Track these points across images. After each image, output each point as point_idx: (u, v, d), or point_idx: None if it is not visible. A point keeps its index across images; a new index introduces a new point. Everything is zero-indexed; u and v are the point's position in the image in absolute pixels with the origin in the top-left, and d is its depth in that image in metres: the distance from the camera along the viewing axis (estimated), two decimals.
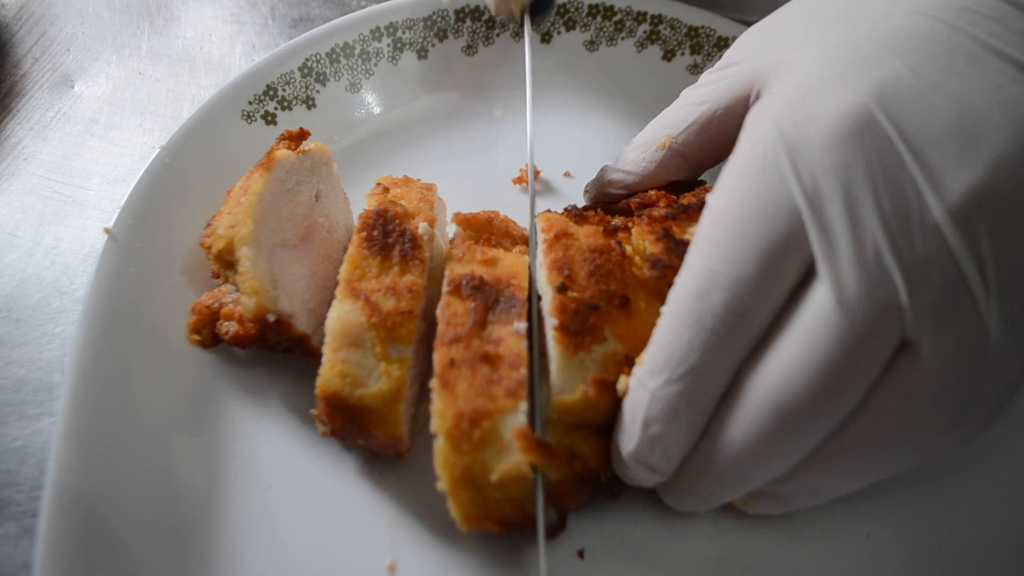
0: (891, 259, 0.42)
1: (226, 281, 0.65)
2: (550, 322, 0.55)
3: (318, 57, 0.82)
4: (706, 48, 0.86)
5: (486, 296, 0.58)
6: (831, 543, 0.60)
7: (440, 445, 0.52)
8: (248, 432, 0.64)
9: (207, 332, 0.66)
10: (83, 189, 0.85)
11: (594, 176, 0.73)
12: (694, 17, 0.87)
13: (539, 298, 0.60)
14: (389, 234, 0.60)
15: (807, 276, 0.45)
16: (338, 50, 0.83)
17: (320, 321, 0.63)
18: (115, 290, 0.64)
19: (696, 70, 0.86)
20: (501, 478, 0.51)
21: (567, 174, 0.82)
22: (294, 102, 0.81)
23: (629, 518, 0.61)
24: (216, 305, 0.65)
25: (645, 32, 0.87)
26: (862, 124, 0.44)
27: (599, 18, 0.88)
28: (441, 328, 0.56)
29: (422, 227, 0.62)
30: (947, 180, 0.42)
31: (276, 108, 0.79)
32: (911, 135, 0.43)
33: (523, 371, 0.53)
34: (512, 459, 0.51)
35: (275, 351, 0.64)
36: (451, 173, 0.78)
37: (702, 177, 0.69)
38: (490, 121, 0.86)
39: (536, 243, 0.63)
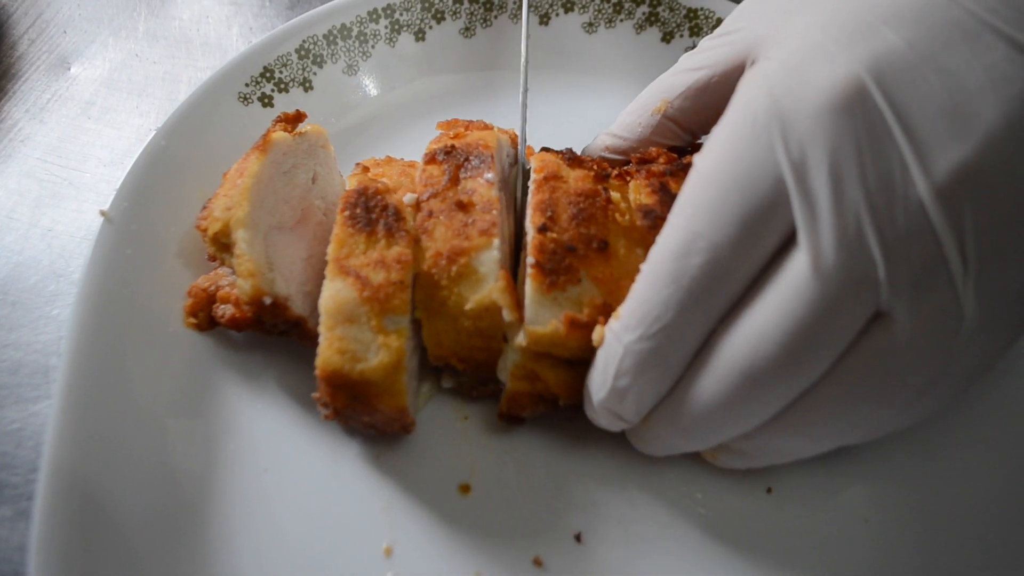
0: (872, 232, 0.43)
1: (222, 264, 0.65)
2: (528, 259, 0.57)
3: (315, 39, 0.82)
4: (705, 30, 0.85)
5: (457, 157, 0.63)
6: (830, 527, 0.61)
7: (420, 281, 0.57)
8: (244, 416, 0.64)
9: (203, 315, 0.66)
10: (79, 171, 0.85)
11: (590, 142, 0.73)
12: None
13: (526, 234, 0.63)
14: (372, 210, 0.60)
15: (787, 243, 0.46)
16: (335, 32, 0.83)
17: (316, 304, 0.63)
18: (111, 273, 0.65)
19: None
20: (475, 307, 0.56)
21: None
22: (291, 84, 0.80)
23: (626, 501, 0.61)
24: (212, 288, 0.65)
25: (644, 14, 0.87)
26: (854, 95, 0.44)
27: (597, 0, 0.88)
28: (419, 189, 0.61)
29: (407, 197, 0.62)
30: (934, 156, 0.42)
31: (273, 90, 0.79)
32: (902, 109, 0.43)
33: (495, 212, 0.59)
34: (486, 289, 0.56)
35: (271, 334, 0.64)
36: None
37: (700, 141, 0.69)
38: (488, 103, 0.86)
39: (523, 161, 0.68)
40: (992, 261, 0.43)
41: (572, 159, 0.64)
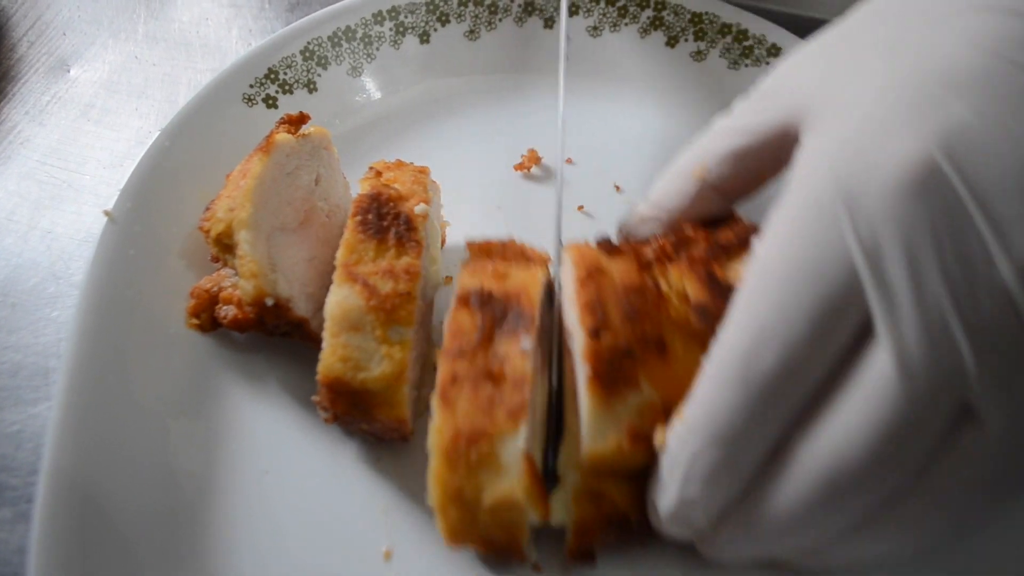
0: (956, 322, 0.40)
1: (225, 265, 0.66)
2: (582, 369, 0.52)
3: (320, 40, 0.82)
4: (710, 35, 0.86)
5: (494, 310, 0.56)
6: None
7: (435, 461, 0.51)
8: (246, 417, 0.65)
9: (206, 316, 0.66)
10: (79, 174, 0.85)
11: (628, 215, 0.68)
12: (698, 3, 0.87)
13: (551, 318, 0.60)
14: (384, 217, 0.60)
15: (862, 336, 0.43)
16: (340, 34, 0.83)
17: (319, 305, 0.63)
18: (114, 273, 0.65)
19: (699, 56, 0.86)
20: (494, 502, 0.50)
21: (569, 160, 0.82)
22: (295, 86, 0.81)
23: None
24: (215, 289, 0.65)
25: (648, 18, 0.88)
26: (926, 174, 0.41)
27: (602, 3, 0.88)
28: (446, 341, 0.55)
29: (419, 207, 0.62)
30: (1016, 235, 0.39)
31: (277, 91, 0.80)
32: (978, 187, 0.40)
33: (526, 391, 0.52)
34: (507, 483, 0.50)
35: (273, 335, 0.65)
36: (452, 158, 0.78)
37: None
38: (492, 107, 0.86)
39: (560, 238, 0.63)
40: None
41: (610, 249, 0.59)
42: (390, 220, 0.60)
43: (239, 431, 0.64)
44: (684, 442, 0.48)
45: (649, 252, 0.60)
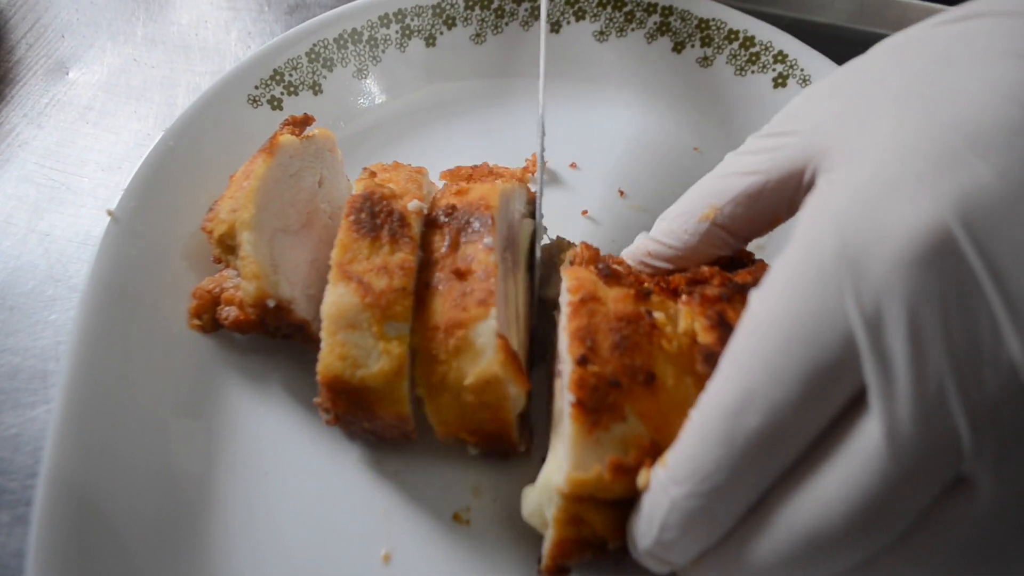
0: (955, 399, 0.39)
1: (227, 266, 0.68)
2: (567, 396, 0.54)
3: (326, 43, 0.84)
4: (716, 41, 0.88)
5: (458, 219, 0.63)
6: None
7: (418, 358, 0.57)
8: (247, 419, 0.66)
9: (208, 317, 0.68)
10: (78, 176, 0.87)
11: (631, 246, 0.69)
12: (704, 9, 0.89)
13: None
14: (377, 215, 0.62)
15: (855, 401, 0.42)
16: (346, 36, 0.85)
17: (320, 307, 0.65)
18: (116, 273, 0.67)
19: (706, 63, 0.88)
20: (475, 380, 0.56)
21: (573, 165, 0.84)
22: (300, 87, 0.83)
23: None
24: (217, 290, 0.67)
25: (655, 23, 0.90)
26: (939, 244, 0.39)
27: (609, 8, 0.91)
28: (422, 256, 0.62)
29: (412, 204, 0.64)
30: None
31: (282, 93, 0.82)
32: (994, 259, 0.39)
33: (492, 281, 0.59)
34: (484, 362, 0.56)
35: (275, 337, 0.66)
36: (457, 161, 0.80)
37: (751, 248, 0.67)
38: (497, 110, 0.89)
39: (540, 217, 0.66)
40: None
41: (609, 275, 0.61)
42: (383, 218, 0.62)
43: (240, 433, 0.66)
44: (665, 489, 0.48)
45: (650, 282, 0.61)
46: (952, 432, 0.39)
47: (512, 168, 0.72)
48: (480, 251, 0.60)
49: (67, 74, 0.97)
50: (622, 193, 0.82)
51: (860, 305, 0.41)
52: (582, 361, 0.54)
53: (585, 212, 0.80)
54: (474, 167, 0.71)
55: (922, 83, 0.47)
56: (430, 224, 0.63)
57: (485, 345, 0.56)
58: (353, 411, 0.59)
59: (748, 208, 0.58)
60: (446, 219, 0.63)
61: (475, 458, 0.65)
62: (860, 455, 0.41)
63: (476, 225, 0.62)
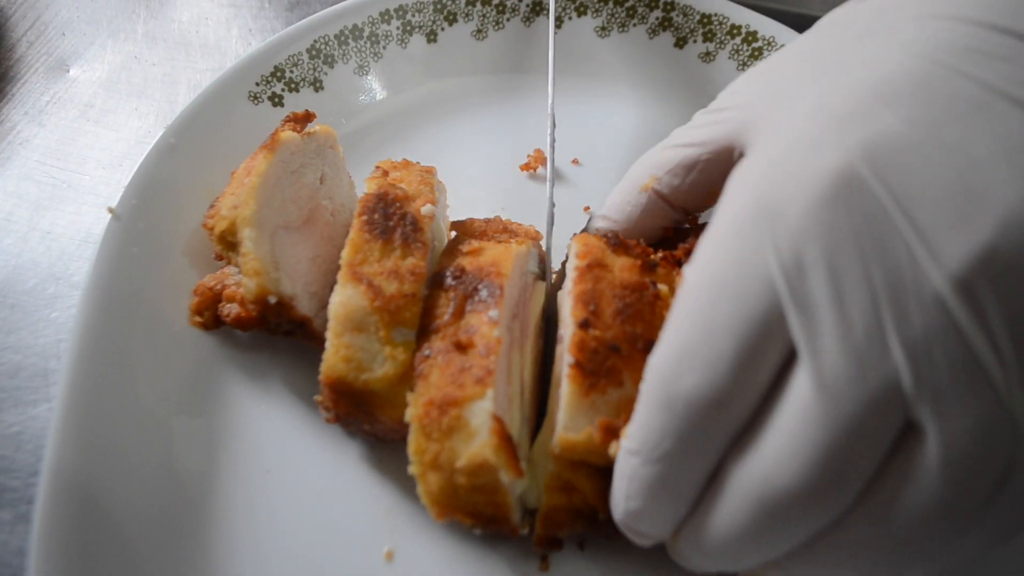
0: (884, 337, 0.39)
1: (229, 263, 0.68)
2: (567, 358, 0.55)
3: (327, 39, 0.85)
4: (719, 36, 0.88)
5: (466, 285, 0.61)
6: None
7: (413, 432, 0.55)
8: (248, 416, 0.67)
9: (209, 314, 0.68)
10: (79, 174, 0.88)
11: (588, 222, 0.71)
12: (707, 4, 0.89)
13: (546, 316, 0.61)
14: (390, 217, 0.62)
15: (790, 357, 0.43)
16: (347, 32, 0.86)
17: (322, 304, 0.66)
18: (117, 270, 0.67)
19: (708, 58, 0.89)
20: (467, 465, 0.53)
21: (575, 161, 0.85)
22: (301, 84, 0.84)
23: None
24: (218, 287, 0.68)
25: (657, 19, 0.90)
26: (848, 185, 0.41)
27: (611, 3, 0.91)
28: (423, 321, 0.60)
29: (426, 208, 0.64)
30: (946, 244, 0.39)
31: (283, 90, 0.82)
32: (904, 195, 0.40)
33: (493, 359, 0.56)
34: (477, 445, 0.53)
35: (276, 334, 0.67)
36: (459, 158, 0.81)
37: None
38: (499, 106, 0.89)
39: (552, 223, 0.65)
40: None
41: (617, 244, 0.62)
42: (396, 220, 0.62)
43: (242, 430, 0.66)
44: (626, 458, 0.49)
45: (656, 255, 0.62)
46: (890, 375, 0.39)
47: (526, 226, 0.70)
48: (484, 323, 0.58)
49: (68, 72, 0.97)
50: None
51: (779, 255, 0.42)
52: (584, 324, 0.55)
53: (588, 208, 0.81)
54: (487, 220, 0.69)
55: (841, 54, 0.50)
56: (436, 284, 0.62)
57: (479, 426, 0.54)
58: (354, 413, 0.60)
59: (684, 179, 0.60)
60: (453, 282, 0.61)
61: None
62: (795, 408, 0.41)
63: (484, 294, 0.60)
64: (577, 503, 0.56)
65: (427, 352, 0.58)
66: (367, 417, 0.60)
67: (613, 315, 0.56)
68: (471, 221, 0.69)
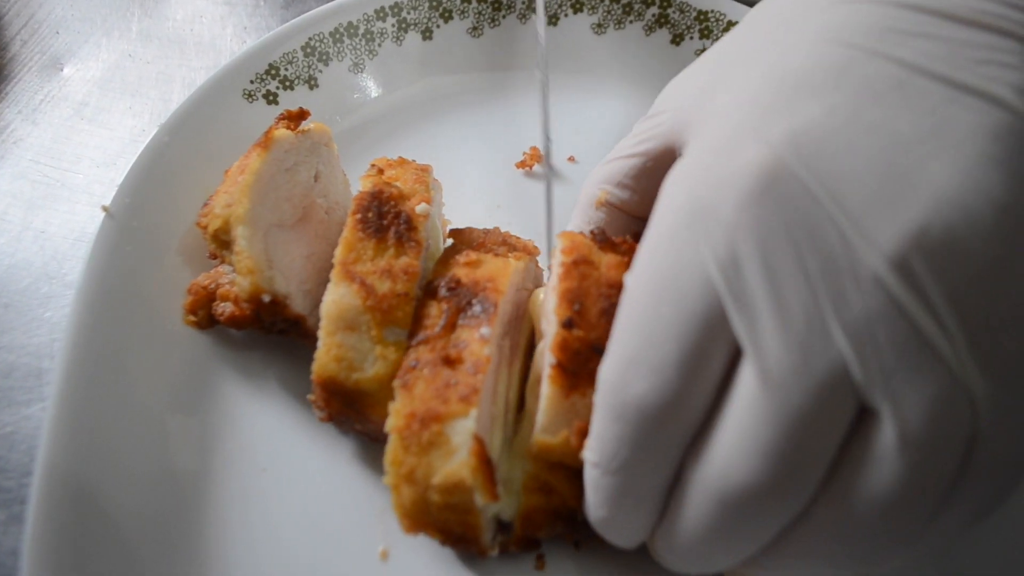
0: (825, 324, 0.39)
1: (223, 261, 0.68)
2: (548, 358, 0.54)
3: (321, 37, 0.85)
4: (715, 33, 0.88)
5: (459, 299, 0.60)
6: None
7: (391, 443, 0.54)
8: (243, 415, 0.67)
9: (203, 313, 0.68)
10: (73, 173, 0.88)
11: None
12: (704, 1, 0.89)
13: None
14: (384, 216, 0.62)
15: (739, 354, 0.42)
16: (342, 30, 0.86)
17: (316, 302, 0.65)
18: (111, 269, 0.67)
19: None
20: (442, 483, 0.53)
21: (571, 159, 0.84)
22: (296, 82, 0.83)
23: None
24: (212, 286, 0.68)
25: (654, 15, 0.90)
26: (775, 178, 0.41)
27: (607, 0, 0.91)
28: (413, 328, 0.59)
29: (420, 207, 0.64)
30: (878, 225, 0.39)
31: (278, 87, 0.82)
32: (831, 181, 0.40)
33: (480, 377, 0.55)
34: (455, 464, 0.53)
35: (270, 332, 0.67)
36: (454, 155, 0.81)
37: None
38: (495, 104, 0.89)
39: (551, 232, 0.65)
40: (983, 324, 0.38)
41: (604, 241, 0.60)
42: (390, 219, 0.62)
43: (237, 430, 0.66)
44: (589, 470, 0.49)
45: None
46: (836, 361, 0.39)
47: (525, 240, 0.70)
48: (475, 340, 0.57)
49: (62, 70, 0.97)
50: None
51: (714, 252, 0.42)
52: (568, 324, 0.54)
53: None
54: (486, 231, 0.69)
55: (762, 47, 0.50)
56: (429, 294, 0.61)
57: (459, 445, 0.53)
58: (346, 412, 0.60)
59: (634, 189, 0.61)
60: (447, 293, 0.60)
61: None
62: (743, 403, 0.41)
63: (477, 309, 0.59)
64: (556, 504, 0.56)
65: (413, 363, 0.57)
66: (358, 416, 0.60)
67: (598, 315, 0.55)
68: (470, 230, 0.68)
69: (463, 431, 0.53)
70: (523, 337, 0.65)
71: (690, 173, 0.46)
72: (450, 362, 0.56)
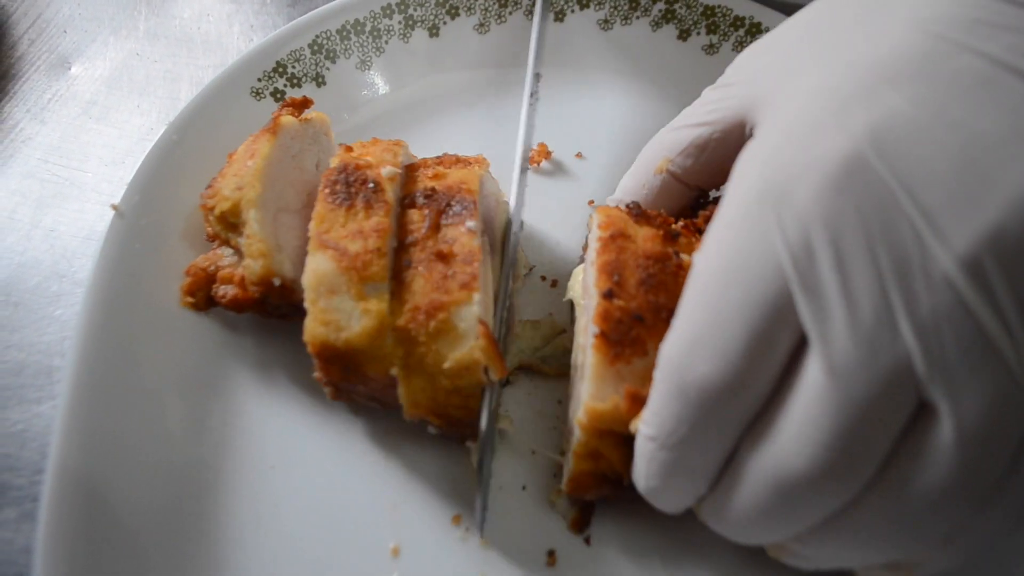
0: (894, 319, 0.39)
1: (223, 244, 0.68)
2: (591, 328, 0.56)
3: (328, 34, 0.85)
4: (722, 28, 0.88)
5: (438, 202, 0.63)
6: None
7: (397, 337, 0.57)
8: (254, 412, 0.67)
9: (201, 295, 0.69)
10: (81, 171, 0.88)
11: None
12: None
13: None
14: (352, 184, 0.63)
15: (801, 342, 0.43)
16: (349, 27, 0.86)
17: None
18: (121, 267, 0.67)
19: (712, 50, 0.88)
20: (454, 365, 0.57)
21: (579, 155, 0.84)
22: (304, 79, 0.84)
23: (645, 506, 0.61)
24: (212, 268, 0.68)
25: (660, 11, 0.90)
26: (854, 169, 0.41)
27: None
28: (399, 236, 0.62)
29: (386, 170, 0.64)
30: (952, 223, 0.39)
31: (286, 85, 0.82)
32: (910, 177, 0.40)
33: (476, 265, 0.59)
34: (466, 347, 0.57)
35: (272, 316, 0.67)
36: (461, 152, 0.79)
37: None
38: (501, 100, 0.89)
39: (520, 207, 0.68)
40: None
41: (639, 215, 0.62)
42: (358, 186, 0.63)
43: (248, 426, 0.66)
44: (644, 441, 0.50)
45: (678, 226, 0.62)
46: (901, 356, 0.39)
47: (475, 156, 0.72)
48: (463, 234, 0.61)
49: (69, 69, 0.97)
50: None
51: (786, 239, 0.42)
52: (608, 295, 0.56)
53: (592, 202, 0.80)
54: (438, 157, 0.71)
55: (842, 30, 0.50)
56: (408, 205, 0.64)
57: (467, 330, 0.57)
58: (346, 377, 0.60)
59: (697, 159, 0.61)
60: (425, 200, 0.64)
61: None
62: (808, 393, 0.42)
63: (457, 208, 0.63)
64: (604, 468, 0.58)
65: (406, 263, 0.60)
66: (358, 378, 0.60)
67: (637, 285, 0.57)
68: (423, 160, 0.71)
69: (468, 316, 0.57)
70: (497, 239, 0.69)
71: (766, 156, 0.46)
72: (443, 257, 0.60)
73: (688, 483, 0.49)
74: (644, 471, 0.51)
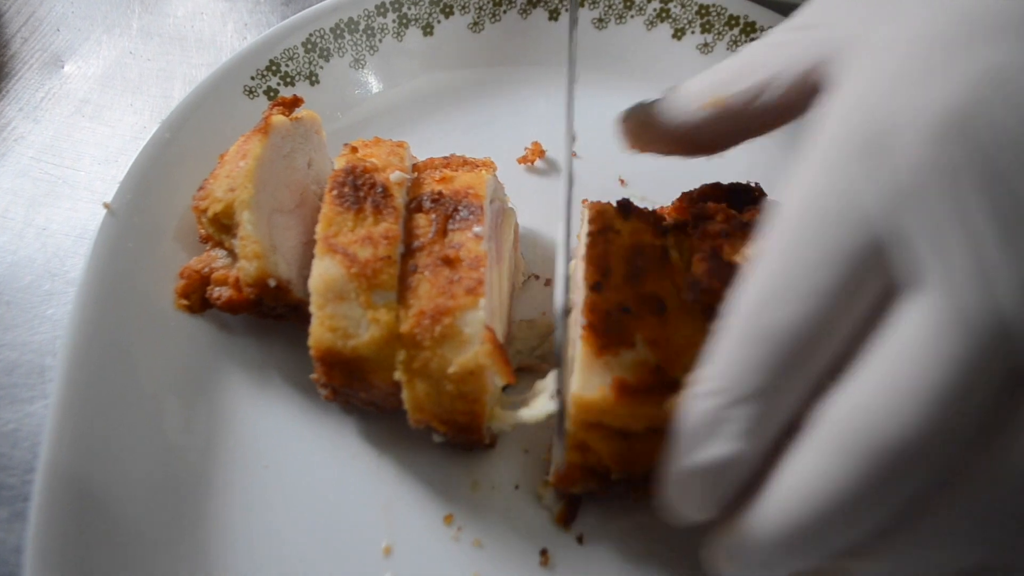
0: (1013, 267, 0.37)
1: (216, 245, 0.68)
2: (579, 320, 0.56)
3: (322, 32, 0.85)
4: (716, 27, 0.88)
5: (445, 207, 0.63)
6: None
7: (403, 342, 0.57)
8: (246, 411, 0.67)
9: (195, 297, 0.69)
10: (74, 170, 0.88)
11: (631, 109, 0.66)
12: None
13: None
14: (360, 188, 0.63)
15: (890, 294, 0.41)
16: (342, 26, 0.86)
17: None
18: (113, 266, 0.67)
19: (706, 49, 0.89)
20: (459, 370, 0.57)
21: (573, 154, 0.84)
22: (297, 78, 0.84)
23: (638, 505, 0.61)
24: (206, 270, 0.68)
25: (655, 10, 0.90)
26: (959, 121, 0.39)
27: None
28: (405, 241, 0.62)
29: (395, 175, 0.64)
30: None
31: (279, 83, 0.82)
32: (1015, 130, 0.39)
33: (482, 270, 0.59)
34: (471, 352, 0.57)
35: (267, 317, 0.67)
36: (455, 151, 0.80)
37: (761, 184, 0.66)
38: (495, 100, 0.89)
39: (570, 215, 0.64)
40: None
41: (627, 210, 0.62)
42: (366, 190, 0.63)
43: (239, 426, 0.66)
44: (703, 402, 0.45)
45: (668, 220, 0.63)
46: (1019, 305, 0.37)
47: (482, 159, 0.71)
48: (469, 239, 0.61)
49: (63, 68, 0.97)
50: (623, 182, 0.83)
51: (895, 183, 0.40)
52: (596, 287, 0.57)
53: (586, 201, 0.80)
54: (445, 158, 0.70)
55: None
56: (414, 209, 0.64)
57: (472, 335, 0.57)
58: (349, 383, 0.60)
59: (755, 99, 0.56)
60: (432, 204, 0.63)
61: (474, 453, 0.66)
62: (923, 341, 0.38)
63: (464, 213, 0.62)
64: (591, 462, 0.58)
65: (413, 267, 0.60)
66: (362, 384, 0.60)
67: (624, 278, 0.58)
68: (430, 160, 0.70)
69: (474, 321, 0.57)
70: (505, 246, 0.68)
71: (864, 103, 0.44)
72: (449, 262, 0.60)
73: (751, 450, 0.44)
74: (701, 441, 0.45)
